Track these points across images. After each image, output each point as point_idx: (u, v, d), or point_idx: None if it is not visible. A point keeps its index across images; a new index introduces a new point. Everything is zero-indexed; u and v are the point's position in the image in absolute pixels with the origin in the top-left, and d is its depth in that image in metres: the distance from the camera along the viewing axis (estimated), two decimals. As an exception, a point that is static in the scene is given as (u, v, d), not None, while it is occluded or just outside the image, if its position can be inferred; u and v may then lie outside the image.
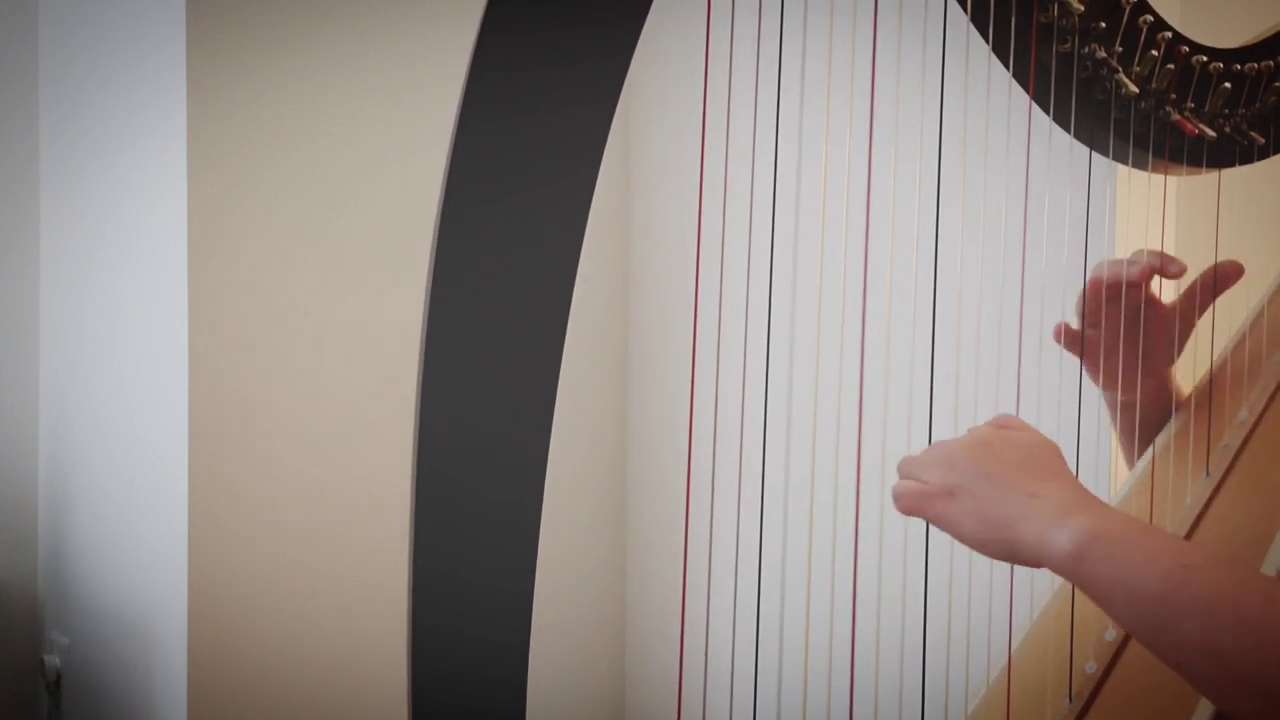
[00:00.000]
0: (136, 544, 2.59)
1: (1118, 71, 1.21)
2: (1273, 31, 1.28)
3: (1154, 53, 1.22)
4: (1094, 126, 1.23)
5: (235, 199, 2.42)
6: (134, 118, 2.56)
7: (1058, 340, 1.30)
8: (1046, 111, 1.20)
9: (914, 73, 1.16)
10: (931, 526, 1.01)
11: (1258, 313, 1.37)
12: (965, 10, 1.15)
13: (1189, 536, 1.20)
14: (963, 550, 1.00)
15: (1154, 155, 1.25)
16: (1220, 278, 1.31)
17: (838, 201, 1.22)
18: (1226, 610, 0.88)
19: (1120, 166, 1.28)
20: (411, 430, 0.95)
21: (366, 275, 2.52)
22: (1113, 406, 1.35)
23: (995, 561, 1.00)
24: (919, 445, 1.09)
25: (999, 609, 1.15)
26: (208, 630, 2.43)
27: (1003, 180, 1.26)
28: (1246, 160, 1.29)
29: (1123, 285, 1.27)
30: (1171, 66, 1.23)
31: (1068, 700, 1.13)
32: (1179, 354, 1.33)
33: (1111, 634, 1.15)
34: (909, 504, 1.01)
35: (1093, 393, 1.34)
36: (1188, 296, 1.32)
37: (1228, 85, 1.25)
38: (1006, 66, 1.18)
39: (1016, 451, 1.01)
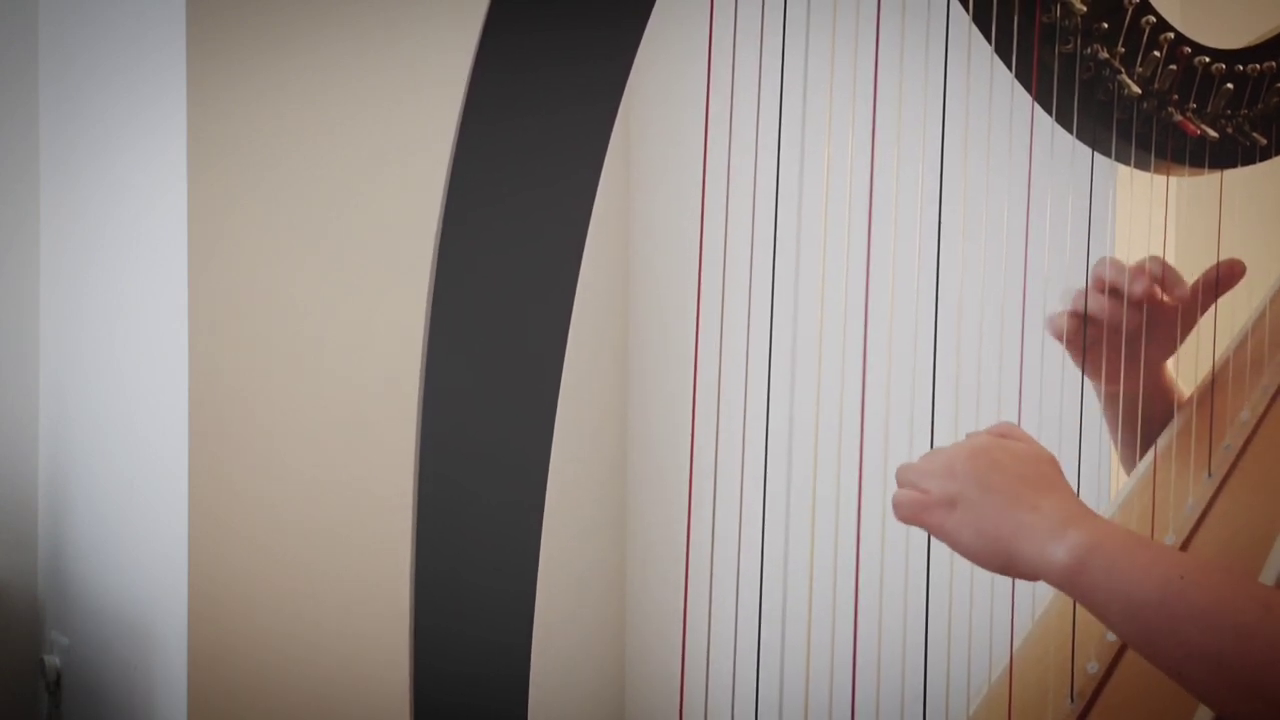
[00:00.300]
0: (136, 544, 2.59)
1: (1120, 72, 1.21)
2: (1275, 32, 1.28)
3: (1156, 53, 1.22)
4: (1096, 127, 1.23)
5: (235, 199, 2.42)
6: (134, 118, 2.55)
7: (1050, 331, 1.30)
8: (1049, 112, 1.20)
9: (916, 74, 1.16)
10: (932, 527, 1.02)
11: (1259, 313, 1.37)
12: (967, 10, 1.15)
13: (1191, 537, 1.21)
14: (964, 550, 1.01)
15: (1156, 156, 1.25)
16: (1222, 277, 1.30)
17: (840, 201, 1.22)
18: (1225, 618, 0.89)
19: (1122, 167, 1.28)
20: (412, 430, 0.95)
21: (367, 275, 2.52)
22: (1110, 407, 1.35)
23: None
24: (920, 445, 1.09)
25: (1001, 609, 1.15)
26: (208, 630, 2.42)
27: (1004, 180, 1.26)
28: (1248, 161, 1.29)
29: (1124, 291, 1.27)
30: (1174, 67, 1.23)
31: (1069, 700, 1.13)
32: (1178, 347, 1.33)
33: (1113, 634, 1.15)
34: (908, 514, 1.02)
35: (1094, 391, 1.34)
36: (1189, 296, 1.31)
37: (1230, 86, 1.25)
38: (1009, 67, 1.19)
39: (1016, 463, 1.01)
